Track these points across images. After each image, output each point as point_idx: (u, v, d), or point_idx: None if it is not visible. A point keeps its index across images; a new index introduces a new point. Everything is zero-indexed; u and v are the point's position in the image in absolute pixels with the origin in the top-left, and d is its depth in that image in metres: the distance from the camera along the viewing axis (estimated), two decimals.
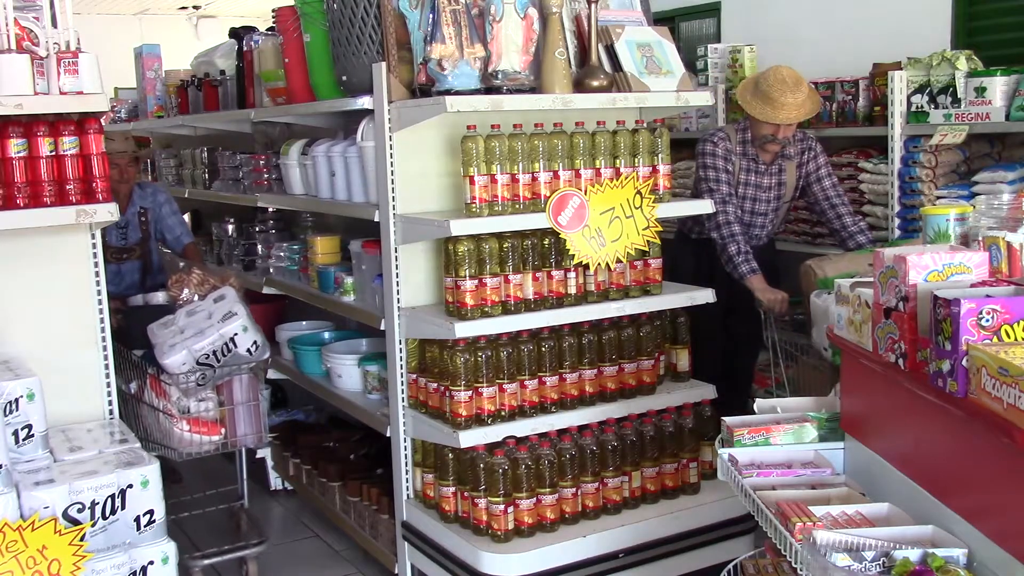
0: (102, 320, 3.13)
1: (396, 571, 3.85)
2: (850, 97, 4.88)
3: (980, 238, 2.27)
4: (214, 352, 3.63)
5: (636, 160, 3.56)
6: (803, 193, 4.56)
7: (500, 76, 3.39)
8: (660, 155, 3.61)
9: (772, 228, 4.63)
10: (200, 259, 5.21)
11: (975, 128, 4.29)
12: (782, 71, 4.23)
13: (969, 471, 1.84)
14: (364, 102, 3.59)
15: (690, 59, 5.61)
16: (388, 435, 3.73)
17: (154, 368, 3.69)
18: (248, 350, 3.69)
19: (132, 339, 3.98)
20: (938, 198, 4.37)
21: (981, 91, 4.23)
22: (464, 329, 3.32)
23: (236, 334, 3.65)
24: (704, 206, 3.98)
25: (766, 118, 4.22)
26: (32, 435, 2.65)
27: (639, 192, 3.52)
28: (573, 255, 3.43)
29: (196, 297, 3.93)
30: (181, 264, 4.30)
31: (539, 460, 3.39)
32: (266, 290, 4.81)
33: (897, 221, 4.59)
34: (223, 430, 3.78)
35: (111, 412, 3.14)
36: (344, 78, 3.70)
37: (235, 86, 5.03)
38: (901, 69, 4.56)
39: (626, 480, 3.58)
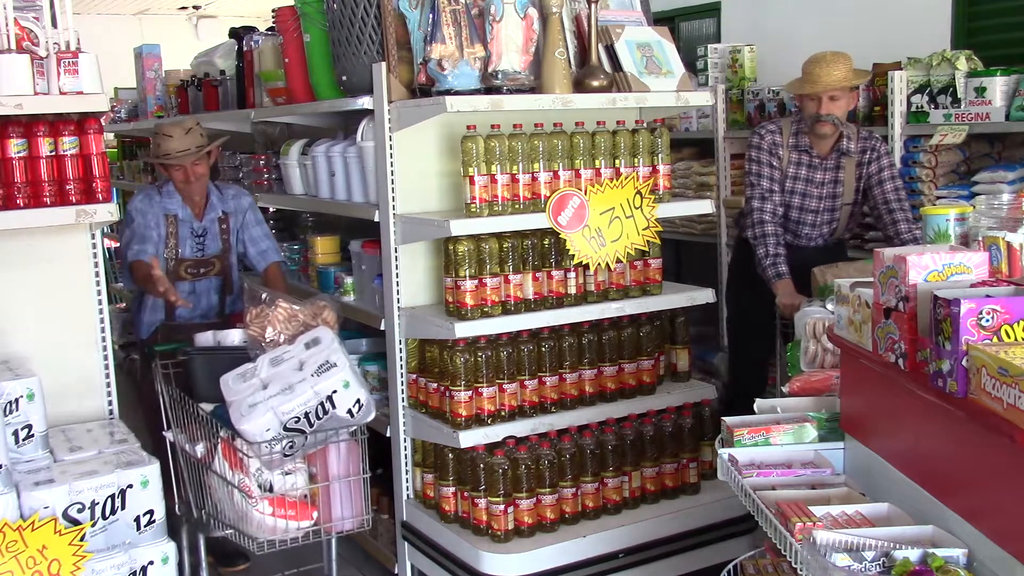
0: (102, 320, 3.12)
1: (396, 571, 3.85)
2: None
3: (980, 238, 2.27)
4: (306, 414, 2.87)
5: (636, 160, 3.56)
6: (864, 197, 4.31)
7: (500, 76, 3.39)
8: (660, 155, 3.61)
9: (831, 231, 4.35)
10: (285, 285, 4.24)
11: (975, 128, 4.30)
12: (824, 52, 4.14)
13: (969, 471, 1.84)
14: (364, 102, 3.59)
15: (690, 59, 5.61)
16: (388, 435, 3.73)
17: (227, 430, 2.94)
18: (349, 411, 2.92)
19: (200, 388, 3.17)
20: (938, 198, 4.37)
21: (981, 91, 4.24)
22: (464, 329, 3.32)
23: (335, 391, 2.89)
24: (703, 206, 3.99)
25: (802, 90, 4.12)
26: (32, 435, 2.65)
27: (639, 192, 3.52)
28: (573, 255, 3.43)
29: (281, 338, 3.16)
30: (263, 294, 3.27)
31: (539, 460, 3.39)
32: None
33: None
34: (315, 513, 2.99)
35: (111, 412, 3.14)
36: (344, 78, 3.70)
37: (235, 86, 5.03)
38: (901, 69, 4.56)
39: (626, 480, 3.58)
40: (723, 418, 2.55)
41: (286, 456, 2.91)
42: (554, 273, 3.49)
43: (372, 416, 3.05)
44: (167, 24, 13.31)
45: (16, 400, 2.62)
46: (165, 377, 3.23)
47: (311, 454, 3.04)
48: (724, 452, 2.41)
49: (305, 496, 2.99)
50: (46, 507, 2.41)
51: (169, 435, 3.16)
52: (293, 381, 2.93)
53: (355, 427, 3.03)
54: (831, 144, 4.21)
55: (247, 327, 3.19)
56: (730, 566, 2.64)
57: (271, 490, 2.91)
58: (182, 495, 3.18)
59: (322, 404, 2.89)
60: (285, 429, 2.88)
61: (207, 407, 3.08)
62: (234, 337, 3.35)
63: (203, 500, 3.09)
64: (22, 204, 2.79)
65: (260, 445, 2.87)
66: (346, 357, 2.99)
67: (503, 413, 3.41)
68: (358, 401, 2.93)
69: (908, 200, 4.23)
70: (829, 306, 3.00)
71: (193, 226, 4.13)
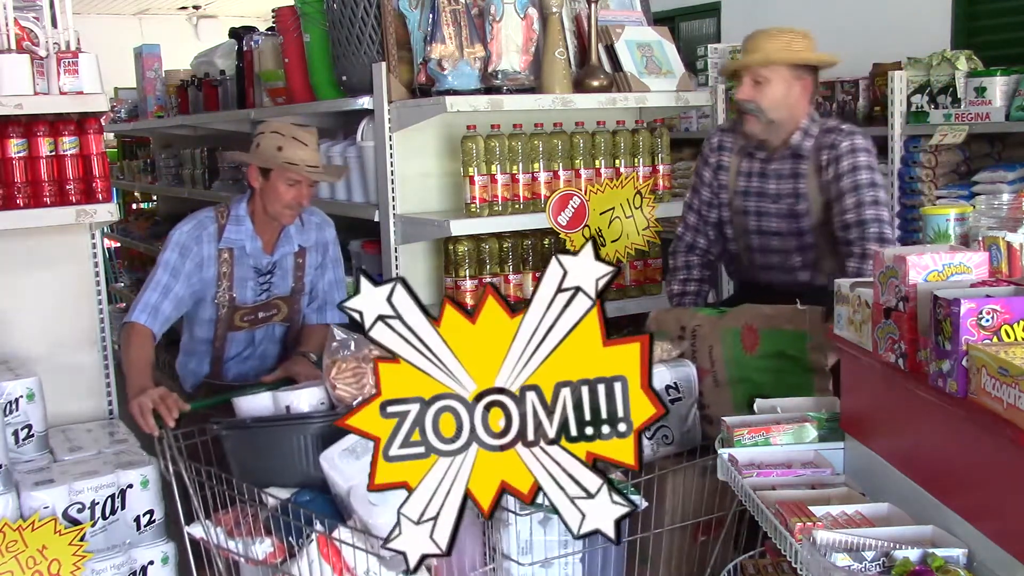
0: (102, 320, 3.12)
1: None
2: (850, 97, 4.88)
3: (980, 238, 2.27)
4: None
5: (636, 160, 3.56)
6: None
7: (500, 76, 3.40)
8: (660, 155, 3.61)
9: (807, 263, 3.11)
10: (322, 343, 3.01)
11: (975, 128, 4.30)
12: (775, 27, 3.25)
13: (969, 471, 1.84)
14: (364, 102, 3.59)
15: (690, 59, 5.61)
16: None
17: (327, 524, 2.25)
18: None
19: (253, 467, 2.40)
20: (938, 198, 4.37)
21: (981, 91, 4.24)
22: None
23: None
24: None
25: (724, 71, 3.30)
26: (32, 435, 2.65)
27: (639, 192, 3.52)
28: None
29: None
30: (352, 341, 2.51)
31: None
32: None
33: (897, 221, 4.59)
34: None
35: (111, 412, 3.14)
36: (344, 78, 3.70)
37: (235, 86, 5.03)
38: (901, 69, 4.56)
39: None
40: (723, 418, 2.55)
41: None
42: None
43: None
44: (167, 24, 13.32)
45: (16, 400, 2.62)
46: (179, 451, 2.47)
47: None
48: (724, 452, 2.40)
49: None
50: (46, 507, 2.41)
51: (196, 531, 2.38)
52: None
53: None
54: (782, 140, 3.08)
55: (332, 385, 2.47)
56: (730, 566, 2.64)
57: None
58: None
59: None
60: None
61: (280, 494, 2.35)
62: (302, 402, 2.54)
63: None
64: (22, 204, 2.79)
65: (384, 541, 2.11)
66: None
67: None
68: None
69: (877, 221, 2.91)
70: None
71: (259, 263, 3.22)
